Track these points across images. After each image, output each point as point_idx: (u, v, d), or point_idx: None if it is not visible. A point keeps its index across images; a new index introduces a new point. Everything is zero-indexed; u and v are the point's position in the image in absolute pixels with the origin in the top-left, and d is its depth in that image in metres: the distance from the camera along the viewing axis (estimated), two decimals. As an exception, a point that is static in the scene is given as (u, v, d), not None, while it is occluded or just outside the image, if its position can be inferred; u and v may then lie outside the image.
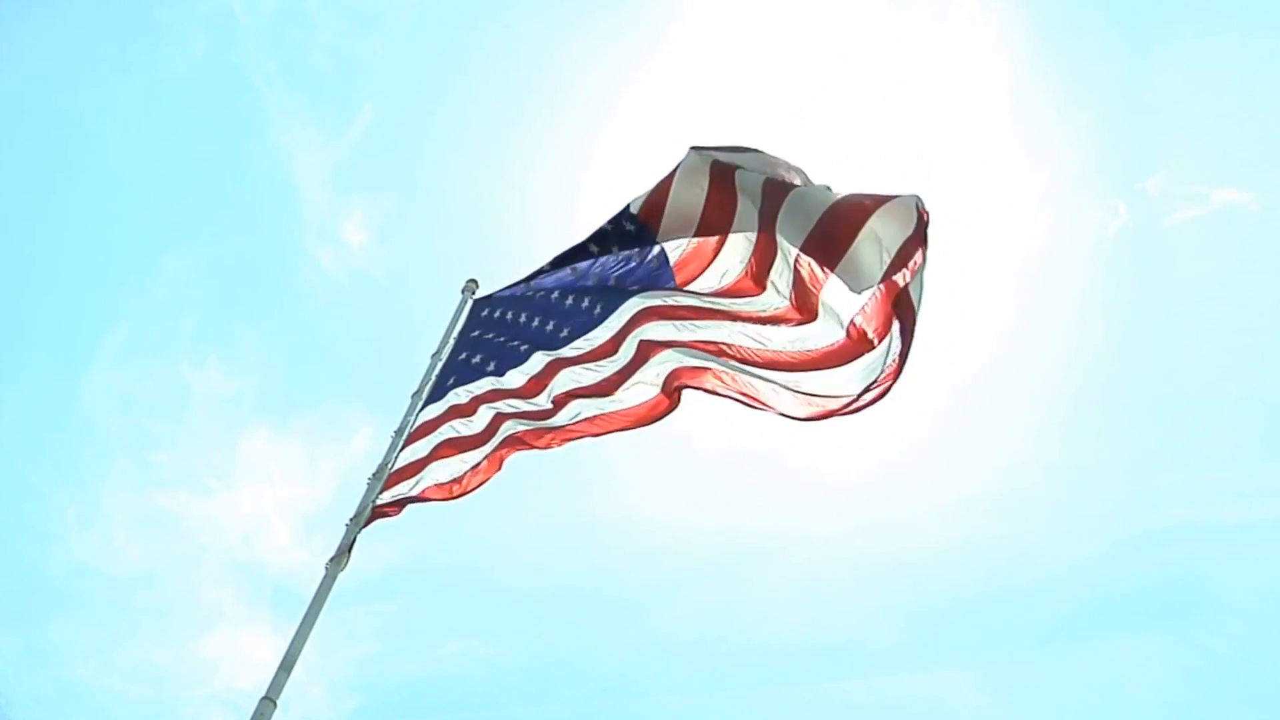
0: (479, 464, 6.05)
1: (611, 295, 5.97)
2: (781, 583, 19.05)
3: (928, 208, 4.85)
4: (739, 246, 5.57)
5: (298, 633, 4.90)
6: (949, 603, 18.31)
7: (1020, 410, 19.56)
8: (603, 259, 6.03)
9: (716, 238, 5.63)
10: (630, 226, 5.93)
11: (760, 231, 5.43)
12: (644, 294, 5.85)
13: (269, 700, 4.54)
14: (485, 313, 6.57)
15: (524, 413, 6.10)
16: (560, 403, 6.00)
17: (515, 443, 6.11)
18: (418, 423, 6.09)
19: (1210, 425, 18.17)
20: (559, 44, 22.26)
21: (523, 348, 6.18)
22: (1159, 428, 18.85)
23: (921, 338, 4.97)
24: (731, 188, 5.51)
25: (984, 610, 18.28)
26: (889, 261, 4.87)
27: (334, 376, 22.84)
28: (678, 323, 5.79)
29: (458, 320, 6.67)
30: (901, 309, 4.89)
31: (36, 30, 19.81)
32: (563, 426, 6.03)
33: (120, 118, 21.62)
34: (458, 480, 5.99)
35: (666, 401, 5.88)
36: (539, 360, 6.11)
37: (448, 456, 6.01)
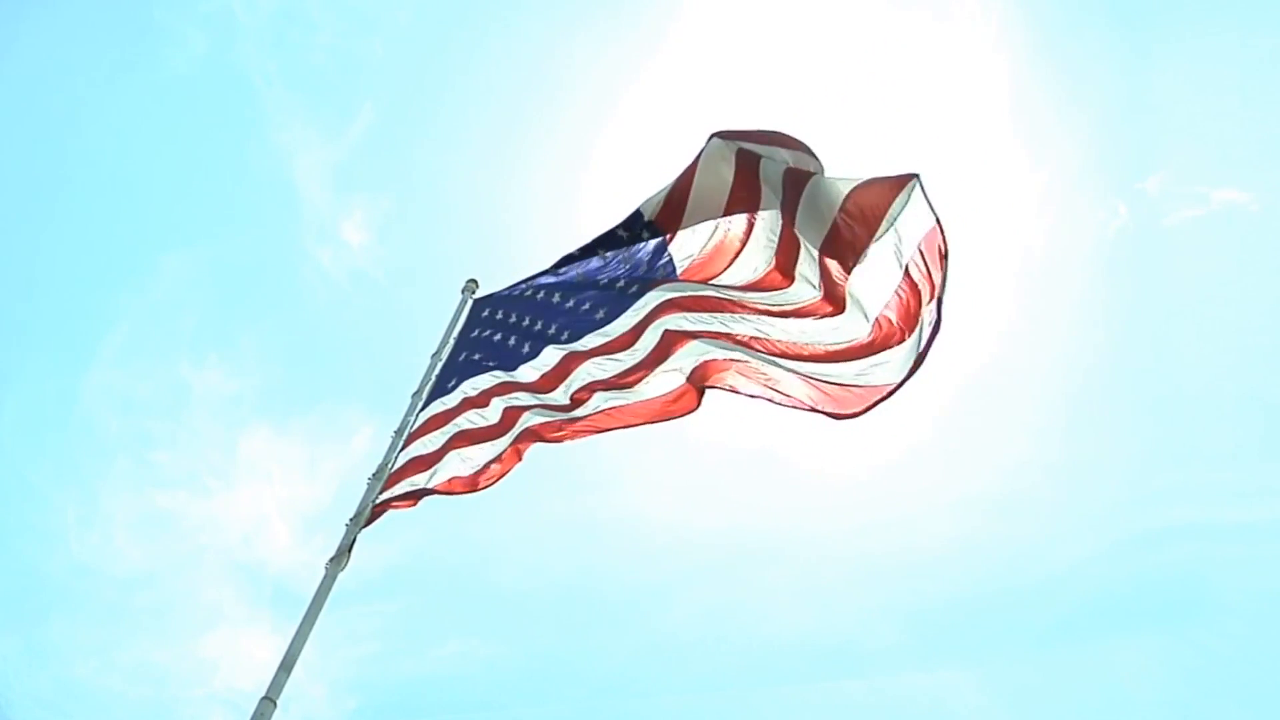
0: (499, 456, 5.99)
1: (623, 290, 5.92)
2: (781, 583, 19.07)
3: (926, 188, 4.91)
4: (765, 239, 5.53)
5: (298, 633, 4.89)
6: (949, 603, 18.32)
7: (1020, 410, 19.58)
8: (612, 257, 6.00)
9: (742, 232, 5.58)
10: (642, 231, 5.90)
11: (784, 224, 5.41)
12: (666, 286, 5.79)
13: (269, 700, 4.54)
14: (486, 312, 6.56)
15: (539, 406, 6.03)
16: (580, 398, 5.92)
17: (532, 435, 6.04)
18: (426, 417, 6.03)
19: (1210, 425, 18.19)
20: (559, 44, 22.28)
21: (527, 346, 6.15)
22: (1159, 428, 18.87)
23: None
24: (756, 177, 5.48)
25: (984, 610, 18.29)
26: (910, 254, 4.94)
27: (334, 376, 22.86)
28: (705, 314, 5.72)
29: (458, 320, 6.66)
30: (927, 299, 4.94)
31: (36, 30, 19.82)
32: (581, 419, 5.95)
33: (120, 118, 21.65)
34: (479, 473, 5.94)
35: (691, 396, 5.81)
36: (552, 355, 6.04)
37: (463, 447, 5.96)
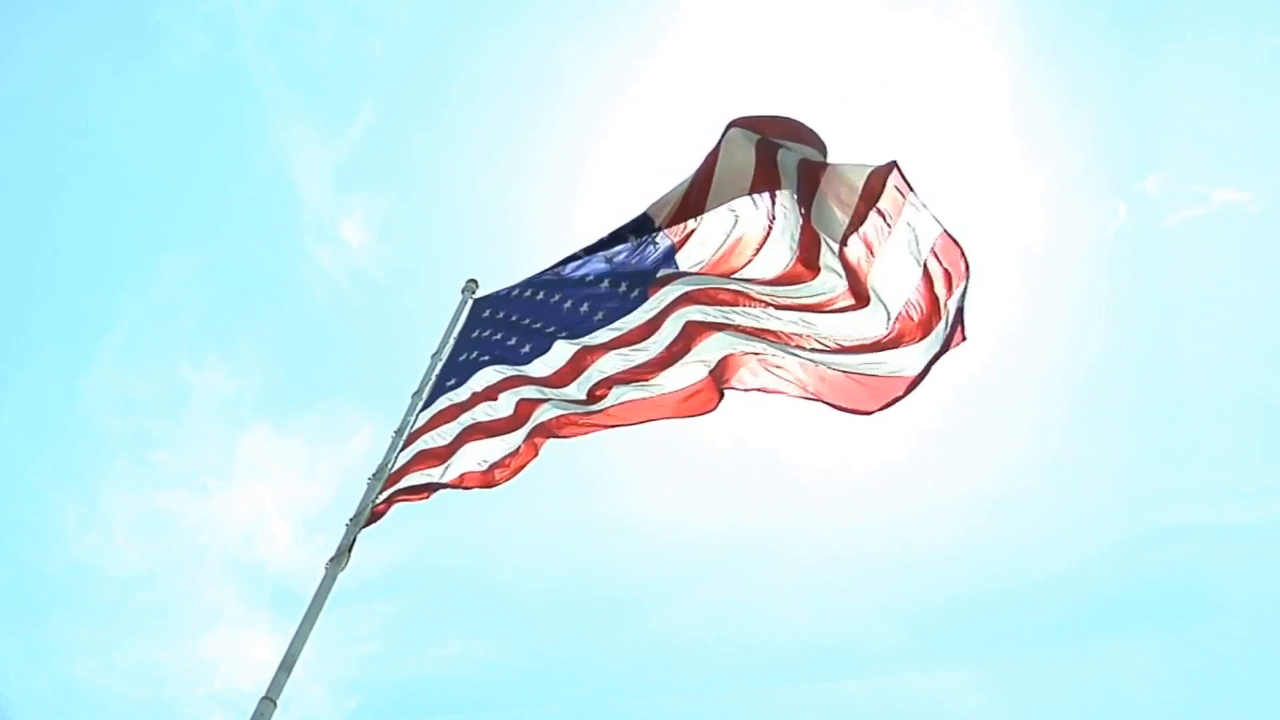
0: (515, 451, 5.95)
1: (625, 293, 5.86)
2: (781, 583, 19.05)
3: (906, 177, 5.01)
4: (787, 233, 5.49)
5: (298, 633, 4.89)
6: (949, 603, 18.31)
7: (1020, 410, 19.55)
8: (615, 259, 5.95)
9: (764, 227, 5.52)
10: (648, 233, 5.84)
11: (803, 217, 5.38)
12: (683, 280, 5.72)
13: (269, 700, 4.54)
14: (486, 312, 6.55)
15: (555, 400, 5.98)
16: (598, 394, 5.84)
17: (547, 430, 5.99)
18: (434, 411, 6.00)
19: (1210, 425, 18.17)
20: (559, 44, 22.26)
21: (528, 346, 6.11)
22: (1159, 427, 18.84)
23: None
24: (775, 165, 5.46)
25: (984, 610, 18.27)
26: (926, 251, 5.00)
27: (334, 376, 22.83)
28: (728, 308, 5.66)
29: (458, 320, 6.66)
30: (949, 291, 5.00)
31: (36, 30, 19.82)
32: (597, 413, 5.89)
33: (120, 117, 21.63)
34: (495, 467, 5.91)
35: (711, 393, 5.76)
36: (563, 350, 5.96)
37: (478, 441, 5.92)
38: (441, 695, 18.94)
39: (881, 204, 5.04)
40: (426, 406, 6.12)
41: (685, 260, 5.72)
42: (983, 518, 18.74)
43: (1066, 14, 20.34)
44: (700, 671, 18.22)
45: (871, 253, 5.10)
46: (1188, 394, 18.47)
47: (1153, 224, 19.96)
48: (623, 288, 5.89)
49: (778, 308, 5.50)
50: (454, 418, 5.98)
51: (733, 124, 5.60)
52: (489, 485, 5.89)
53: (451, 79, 23.12)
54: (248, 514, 20.68)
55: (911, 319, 5.10)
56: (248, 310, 23.30)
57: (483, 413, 6.01)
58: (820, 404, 5.56)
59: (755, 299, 5.57)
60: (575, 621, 19.30)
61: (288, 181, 22.51)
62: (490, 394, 6.06)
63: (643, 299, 5.80)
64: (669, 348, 5.77)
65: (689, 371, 5.79)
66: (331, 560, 5.24)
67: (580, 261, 6.12)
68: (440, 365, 6.40)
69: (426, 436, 5.92)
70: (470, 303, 6.75)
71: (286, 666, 4.72)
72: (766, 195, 5.50)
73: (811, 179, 5.27)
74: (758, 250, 5.55)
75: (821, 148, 5.31)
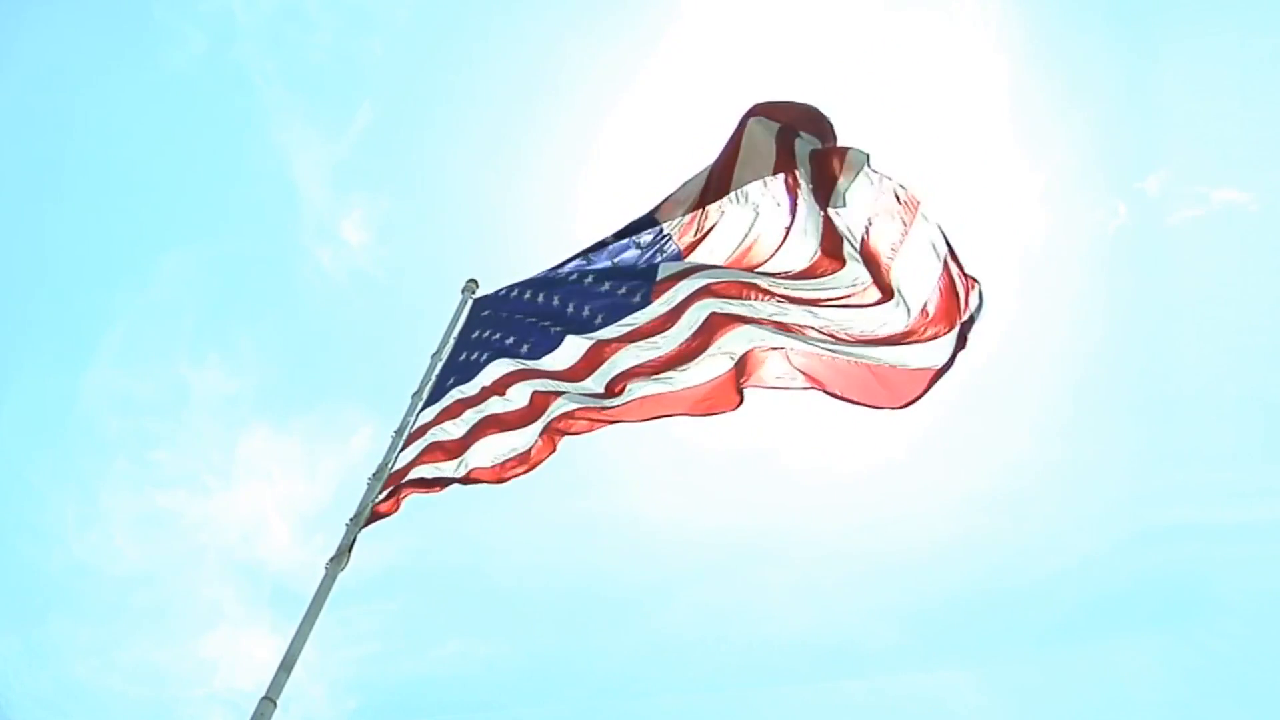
0: (533, 444, 5.88)
1: (626, 295, 5.80)
2: (781, 583, 19.07)
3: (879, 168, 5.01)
4: (808, 227, 5.39)
5: (298, 633, 4.89)
6: (949, 603, 18.33)
7: (1020, 410, 19.55)
8: (617, 259, 5.91)
9: (785, 222, 5.45)
10: (652, 234, 5.80)
11: (821, 209, 5.27)
12: (706, 273, 5.64)
13: (269, 700, 4.53)
14: (486, 312, 6.54)
15: (571, 393, 5.90)
16: (615, 388, 5.76)
17: (564, 425, 5.92)
18: (442, 406, 5.96)
19: (1210, 425, 18.18)
20: (559, 43, 22.27)
21: (528, 345, 6.06)
22: (1159, 427, 18.85)
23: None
24: (793, 154, 5.37)
25: (984, 610, 18.30)
26: (946, 251, 5.04)
27: (333, 376, 22.86)
28: (752, 301, 5.58)
29: (458, 320, 6.65)
30: (968, 290, 5.05)
31: (36, 30, 19.82)
32: (615, 407, 5.81)
33: (119, 117, 21.65)
34: (510, 462, 5.87)
35: (732, 390, 5.67)
36: (576, 344, 5.86)
37: (493, 434, 5.86)
38: (441, 695, 18.97)
39: (898, 222, 5.03)
40: (427, 406, 6.09)
41: (700, 257, 5.65)
42: (983, 517, 18.77)
43: (1066, 14, 20.38)
44: (700, 671, 18.25)
45: (889, 260, 5.06)
46: (1188, 394, 18.49)
47: (1153, 224, 20.01)
48: (624, 290, 5.84)
49: (802, 302, 5.44)
50: (465, 411, 5.93)
51: (752, 111, 5.50)
52: (503, 480, 5.84)
53: (451, 79, 23.16)
54: (247, 514, 20.72)
55: (931, 313, 5.08)
56: (247, 310, 23.36)
57: (497, 406, 5.94)
58: (843, 401, 5.50)
59: (779, 294, 5.50)
60: (575, 621, 19.33)
61: (287, 181, 22.55)
62: (499, 387, 5.99)
63: (645, 302, 5.75)
64: (690, 340, 5.69)
65: (714, 364, 5.71)
66: (331, 560, 5.23)
67: (581, 262, 6.10)
68: (440, 365, 6.40)
69: (436, 429, 5.87)
70: (470, 303, 6.74)
71: (286, 666, 4.71)
72: (788, 193, 5.45)
73: (826, 176, 5.18)
74: (780, 245, 5.47)
75: (833, 136, 5.27)
